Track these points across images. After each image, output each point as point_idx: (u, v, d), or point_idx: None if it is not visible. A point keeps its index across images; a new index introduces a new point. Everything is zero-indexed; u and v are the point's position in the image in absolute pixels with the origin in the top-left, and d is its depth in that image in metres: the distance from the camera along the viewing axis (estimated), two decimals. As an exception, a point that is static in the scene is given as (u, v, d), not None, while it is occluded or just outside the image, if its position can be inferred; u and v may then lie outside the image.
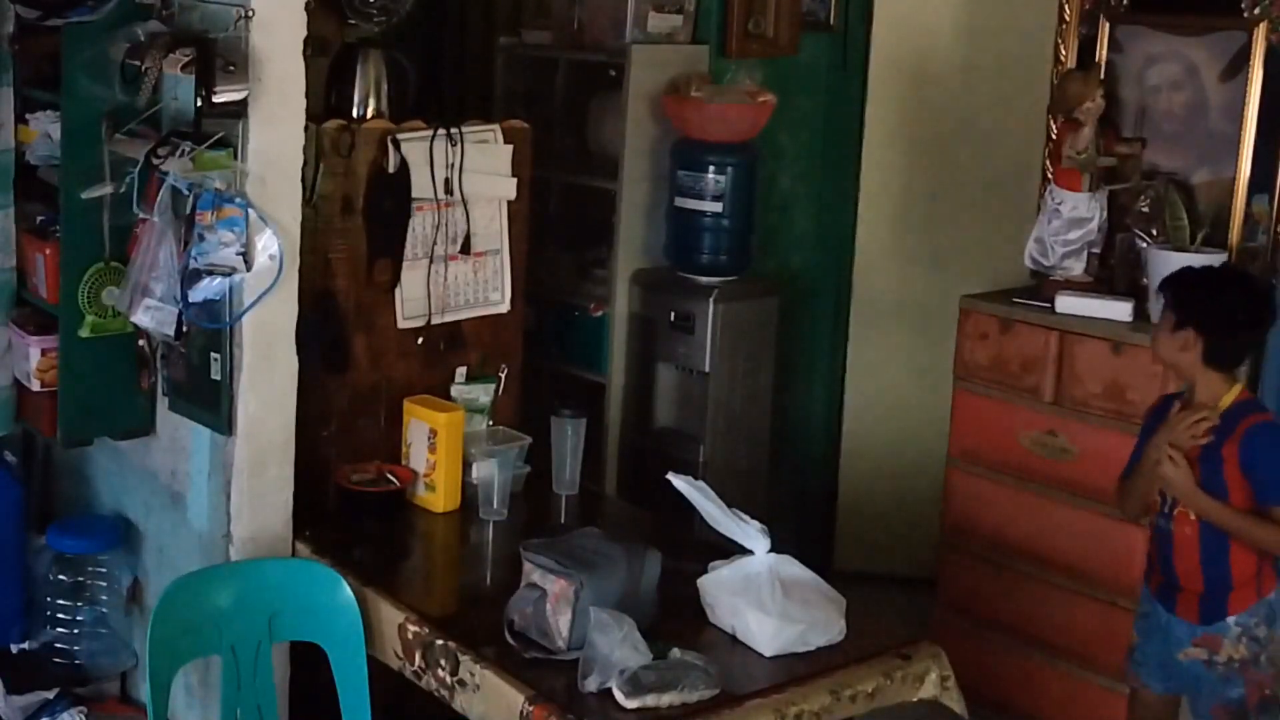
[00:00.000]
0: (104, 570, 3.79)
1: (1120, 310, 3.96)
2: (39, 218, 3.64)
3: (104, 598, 3.80)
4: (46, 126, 3.53)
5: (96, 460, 3.88)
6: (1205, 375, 3.26)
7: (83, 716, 3.71)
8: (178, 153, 3.14)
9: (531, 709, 2.75)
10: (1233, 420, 3.23)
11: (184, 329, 3.29)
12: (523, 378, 4.00)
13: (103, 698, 3.80)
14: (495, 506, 3.55)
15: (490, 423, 3.83)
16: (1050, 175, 4.23)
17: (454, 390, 3.80)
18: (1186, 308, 3.26)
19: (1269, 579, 3.27)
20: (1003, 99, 4.90)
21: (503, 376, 3.89)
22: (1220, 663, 3.28)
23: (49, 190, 3.59)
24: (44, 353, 3.60)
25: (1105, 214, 4.12)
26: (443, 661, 2.98)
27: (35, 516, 3.96)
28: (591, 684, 2.74)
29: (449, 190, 3.71)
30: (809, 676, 2.88)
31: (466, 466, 3.63)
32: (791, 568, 3.05)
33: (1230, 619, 3.26)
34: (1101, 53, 4.23)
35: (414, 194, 3.65)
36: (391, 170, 3.61)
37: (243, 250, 3.19)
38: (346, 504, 3.55)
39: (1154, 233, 4.07)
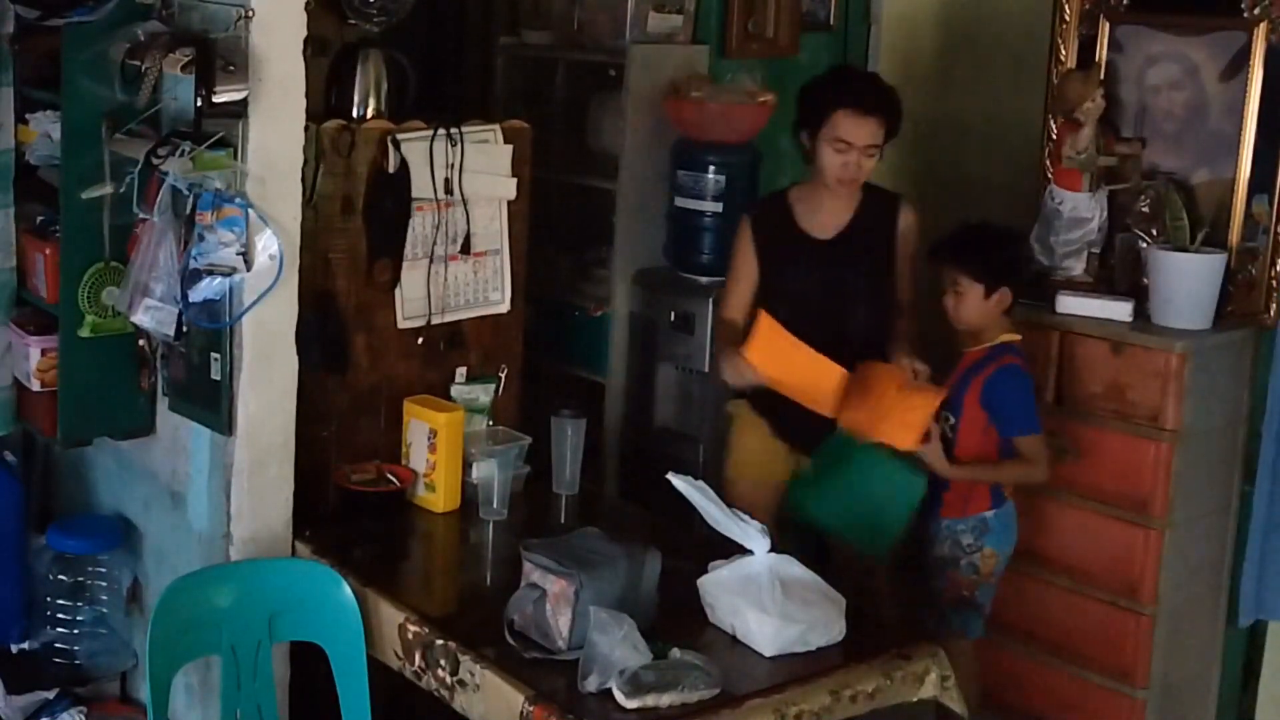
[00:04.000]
0: (104, 570, 3.78)
1: (1120, 310, 3.96)
2: (39, 218, 3.63)
3: (104, 598, 3.80)
4: (46, 126, 3.52)
5: (96, 460, 3.88)
6: (1003, 323, 3.74)
7: (83, 716, 3.71)
8: (178, 153, 3.13)
9: (531, 709, 2.75)
10: (991, 357, 3.70)
11: (184, 329, 3.29)
12: (523, 378, 3.99)
13: (103, 698, 3.80)
14: (495, 506, 3.55)
15: (490, 423, 3.83)
16: (1050, 175, 4.22)
17: (454, 390, 3.80)
18: (993, 272, 3.67)
19: (979, 499, 3.71)
20: (1002, 99, 4.90)
21: (503, 376, 3.89)
22: (933, 556, 3.78)
23: (49, 190, 3.59)
24: (44, 353, 3.59)
25: (1105, 214, 4.12)
26: (443, 661, 2.98)
27: (35, 516, 3.96)
28: (591, 684, 2.74)
29: (449, 190, 3.71)
30: (809, 676, 2.88)
31: (466, 466, 3.63)
32: (791, 568, 3.05)
33: (943, 520, 3.74)
34: (1101, 53, 4.23)
35: (414, 194, 3.65)
36: (391, 170, 3.61)
37: (243, 250, 3.19)
38: (346, 504, 3.55)
39: (1154, 233, 4.06)
